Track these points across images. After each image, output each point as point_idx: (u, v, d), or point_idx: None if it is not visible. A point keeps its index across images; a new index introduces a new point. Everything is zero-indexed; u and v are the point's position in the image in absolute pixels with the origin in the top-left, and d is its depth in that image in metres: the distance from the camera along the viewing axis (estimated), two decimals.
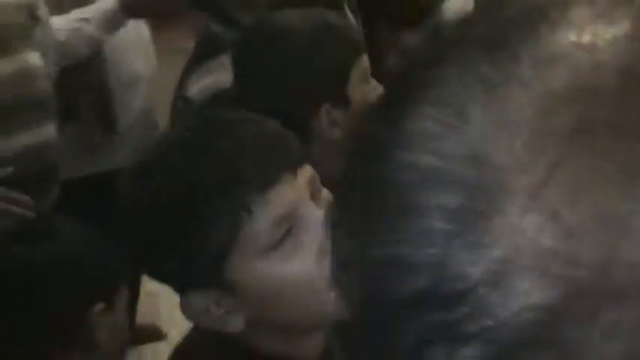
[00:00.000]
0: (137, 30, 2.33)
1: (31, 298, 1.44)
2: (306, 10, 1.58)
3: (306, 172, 0.96)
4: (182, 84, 1.87)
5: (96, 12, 2.11)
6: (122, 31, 2.19)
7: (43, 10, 2.00)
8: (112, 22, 2.12)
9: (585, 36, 0.28)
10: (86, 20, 2.11)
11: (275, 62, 1.50)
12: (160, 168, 0.96)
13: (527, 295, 0.25)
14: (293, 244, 0.93)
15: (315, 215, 0.93)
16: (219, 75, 1.74)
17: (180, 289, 0.97)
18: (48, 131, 1.93)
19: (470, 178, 0.27)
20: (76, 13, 2.14)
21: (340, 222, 0.33)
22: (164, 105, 2.09)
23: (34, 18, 1.95)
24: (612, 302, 0.25)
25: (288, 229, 0.92)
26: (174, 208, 0.93)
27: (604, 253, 0.25)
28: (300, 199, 0.93)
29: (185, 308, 0.97)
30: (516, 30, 0.29)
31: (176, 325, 2.78)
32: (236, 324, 0.95)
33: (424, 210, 0.27)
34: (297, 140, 0.98)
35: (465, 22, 0.33)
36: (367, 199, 0.31)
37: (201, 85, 1.77)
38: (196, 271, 0.94)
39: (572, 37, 0.28)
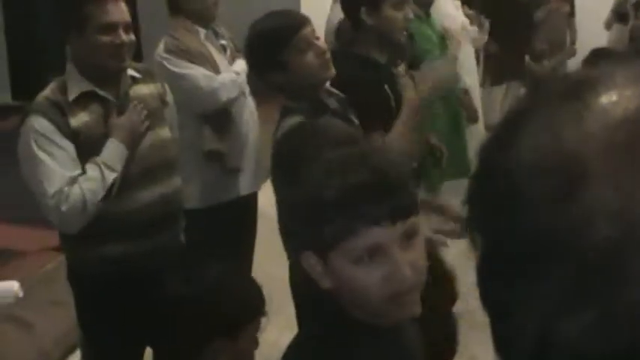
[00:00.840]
0: (250, 105, 3.45)
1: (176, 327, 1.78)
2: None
3: (405, 224, 1.25)
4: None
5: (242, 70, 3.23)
6: (244, 104, 3.33)
7: (169, 97, 2.77)
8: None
9: (623, 94, 0.48)
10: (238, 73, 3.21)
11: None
12: (311, 177, 1.32)
13: (599, 231, 0.45)
14: (371, 267, 1.25)
15: (394, 256, 1.24)
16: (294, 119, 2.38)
17: (306, 248, 1.31)
18: (175, 183, 2.67)
19: (567, 168, 0.47)
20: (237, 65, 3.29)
21: (476, 208, 0.54)
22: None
23: (164, 103, 2.72)
24: None
25: (373, 255, 1.24)
26: (314, 203, 1.27)
27: None
28: (390, 240, 1.24)
29: (303, 260, 1.31)
30: (582, 89, 0.50)
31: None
32: (326, 283, 1.29)
33: (535, 189, 0.48)
34: (412, 194, 1.30)
35: (548, 83, 0.55)
36: (498, 191, 0.51)
37: (282, 128, 2.40)
38: (315, 244, 1.28)
39: (616, 95, 0.48)
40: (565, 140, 0.48)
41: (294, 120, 2.36)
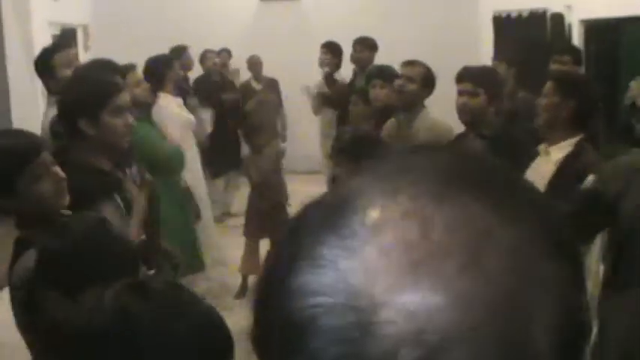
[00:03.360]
0: None
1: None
2: None
3: None
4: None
5: None
6: None
7: None
8: None
9: (386, 214, 0.49)
10: None
11: None
12: None
13: (405, 357, 0.45)
14: None
15: None
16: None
17: None
18: None
19: (357, 304, 0.46)
20: None
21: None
22: None
23: None
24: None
25: None
26: None
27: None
28: None
29: None
30: (345, 215, 0.50)
31: None
32: None
33: (320, 329, 0.47)
34: None
35: (310, 209, 0.53)
36: (288, 336, 0.49)
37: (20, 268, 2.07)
38: None
39: (379, 215, 0.49)
40: (346, 275, 0.47)
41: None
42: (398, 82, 4.24)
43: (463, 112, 3.70)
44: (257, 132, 5.86)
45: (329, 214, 0.51)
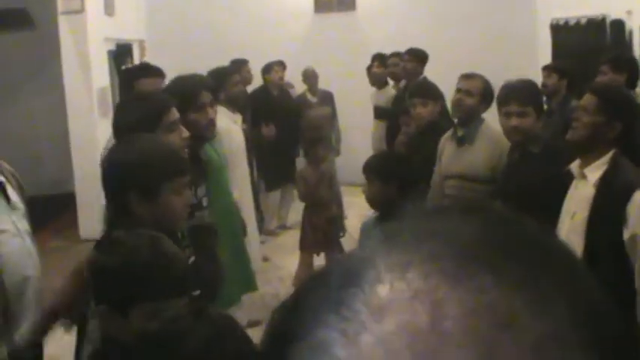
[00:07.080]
0: (23, 241, 2.79)
1: None
2: None
3: None
4: None
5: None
6: (12, 242, 2.68)
7: None
8: None
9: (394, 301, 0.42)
10: None
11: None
12: None
13: None
14: None
15: None
16: None
17: None
18: None
19: None
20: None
21: None
22: None
23: None
24: None
25: None
26: None
27: None
28: None
29: None
30: (349, 290, 0.44)
31: None
32: None
33: None
34: None
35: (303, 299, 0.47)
36: None
37: None
38: None
39: (381, 293, 0.42)
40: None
41: None
42: (456, 96, 4.16)
43: (514, 133, 3.55)
44: (318, 145, 5.83)
45: (334, 288, 0.45)
